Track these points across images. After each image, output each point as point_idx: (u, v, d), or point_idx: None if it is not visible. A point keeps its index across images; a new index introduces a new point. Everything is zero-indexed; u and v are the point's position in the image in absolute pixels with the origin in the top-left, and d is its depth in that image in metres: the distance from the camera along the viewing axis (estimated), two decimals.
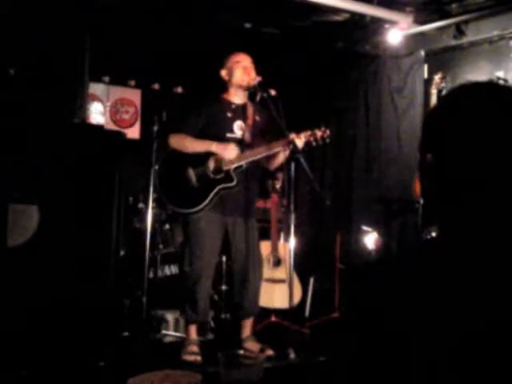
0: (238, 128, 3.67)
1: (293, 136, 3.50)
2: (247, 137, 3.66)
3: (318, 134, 3.59)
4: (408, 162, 5.23)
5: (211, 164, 3.57)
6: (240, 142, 3.61)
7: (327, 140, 3.61)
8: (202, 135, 3.61)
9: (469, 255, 0.95)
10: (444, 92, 4.48)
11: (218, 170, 3.57)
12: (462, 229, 0.99)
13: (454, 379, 0.88)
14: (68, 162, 3.24)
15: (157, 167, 3.86)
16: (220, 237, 3.65)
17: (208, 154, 3.59)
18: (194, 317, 3.62)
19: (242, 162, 3.57)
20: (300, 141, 3.52)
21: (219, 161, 3.57)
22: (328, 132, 3.60)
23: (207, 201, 3.53)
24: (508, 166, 0.96)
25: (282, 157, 3.63)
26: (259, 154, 3.57)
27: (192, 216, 3.58)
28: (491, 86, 1.04)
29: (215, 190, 3.55)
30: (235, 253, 3.72)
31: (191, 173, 3.59)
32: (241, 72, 3.66)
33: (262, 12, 4.97)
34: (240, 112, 3.70)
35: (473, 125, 0.99)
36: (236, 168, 3.57)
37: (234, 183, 3.57)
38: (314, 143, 3.60)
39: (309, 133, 3.57)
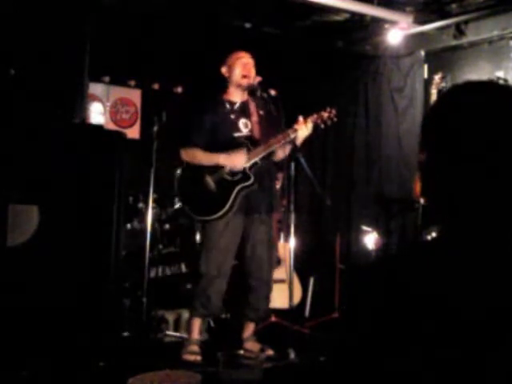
0: (244, 126, 3.67)
1: (300, 121, 3.53)
2: (256, 133, 3.66)
3: (325, 115, 3.63)
4: (408, 162, 5.24)
5: (227, 166, 3.58)
6: (249, 140, 3.62)
7: (334, 119, 3.64)
8: (210, 140, 3.61)
9: (473, 253, 0.95)
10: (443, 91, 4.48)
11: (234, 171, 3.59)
12: (464, 227, 0.99)
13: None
14: (68, 162, 3.24)
15: (176, 180, 3.82)
16: (238, 238, 3.64)
17: None
18: (203, 311, 3.62)
19: (256, 159, 3.58)
20: (307, 125, 3.55)
21: None
22: (334, 111, 3.64)
23: (229, 203, 3.53)
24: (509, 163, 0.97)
25: (287, 148, 3.65)
26: (269, 147, 3.59)
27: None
28: (489, 84, 1.06)
29: (235, 191, 3.55)
30: (252, 252, 3.68)
31: (209, 179, 3.58)
32: (240, 68, 3.66)
33: (262, 12, 4.97)
34: (243, 110, 3.70)
35: (473, 122, 0.99)
36: (251, 166, 3.58)
37: (252, 181, 3.57)
38: (322, 125, 3.65)
39: (315, 116, 3.62)
